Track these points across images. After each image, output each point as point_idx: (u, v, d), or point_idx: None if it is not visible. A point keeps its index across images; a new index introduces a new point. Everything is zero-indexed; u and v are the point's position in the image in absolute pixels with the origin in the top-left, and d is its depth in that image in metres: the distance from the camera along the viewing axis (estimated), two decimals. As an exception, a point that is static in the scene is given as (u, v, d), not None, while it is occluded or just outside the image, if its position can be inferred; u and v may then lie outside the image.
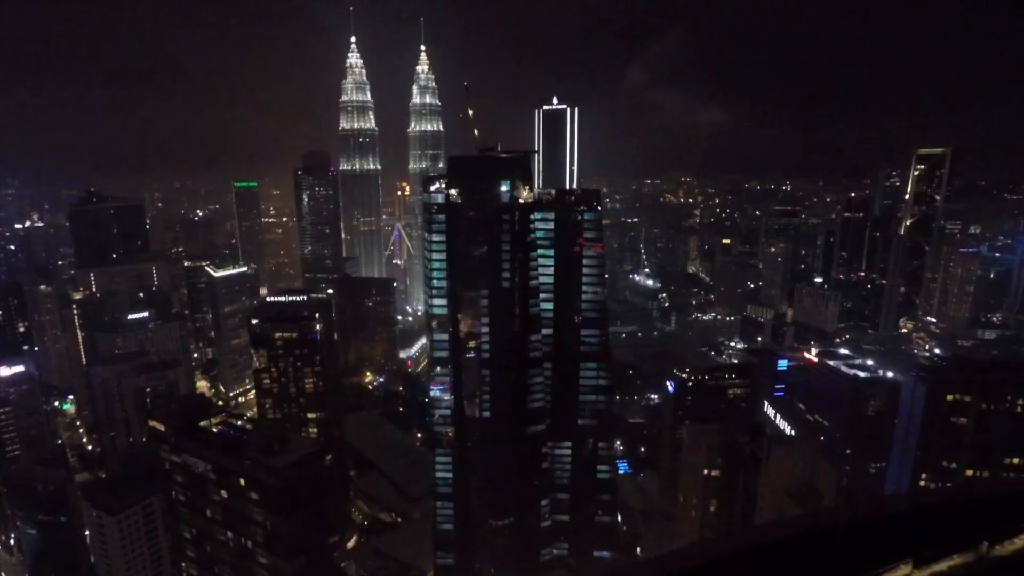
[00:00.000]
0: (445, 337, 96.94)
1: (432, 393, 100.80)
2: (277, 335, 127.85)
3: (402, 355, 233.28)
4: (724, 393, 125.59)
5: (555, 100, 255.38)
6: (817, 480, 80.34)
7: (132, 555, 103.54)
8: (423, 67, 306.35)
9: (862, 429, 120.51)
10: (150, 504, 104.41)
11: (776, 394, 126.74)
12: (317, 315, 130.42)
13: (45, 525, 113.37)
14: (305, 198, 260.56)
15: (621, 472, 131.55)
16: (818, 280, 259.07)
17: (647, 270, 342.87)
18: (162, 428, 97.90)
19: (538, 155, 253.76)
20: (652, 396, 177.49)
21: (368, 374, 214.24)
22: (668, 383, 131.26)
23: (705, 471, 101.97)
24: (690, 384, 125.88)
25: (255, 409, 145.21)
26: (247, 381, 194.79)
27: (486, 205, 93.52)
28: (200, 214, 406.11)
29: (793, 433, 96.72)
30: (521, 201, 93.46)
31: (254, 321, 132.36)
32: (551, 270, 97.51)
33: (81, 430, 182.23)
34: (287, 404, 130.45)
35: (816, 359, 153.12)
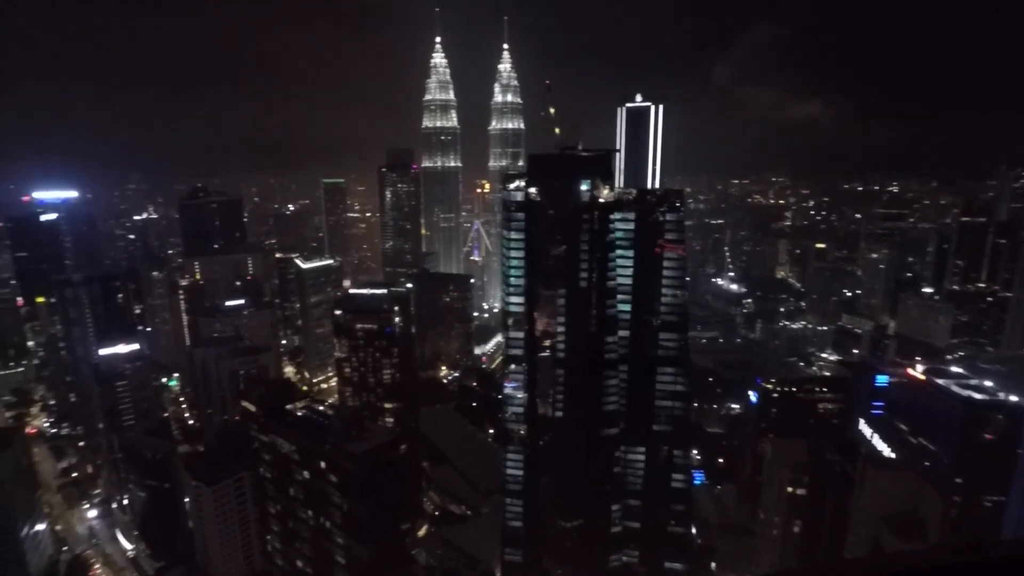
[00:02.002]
0: (520, 335, 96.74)
1: (505, 390, 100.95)
2: (358, 326, 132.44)
3: (477, 351, 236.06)
4: (813, 407, 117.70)
5: (639, 97, 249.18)
6: (920, 508, 73.36)
7: (224, 523, 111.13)
8: (505, 65, 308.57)
9: (977, 457, 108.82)
10: (241, 478, 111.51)
11: (873, 412, 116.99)
12: (396, 308, 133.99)
13: (152, 490, 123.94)
14: (388, 194, 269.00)
15: (697, 482, 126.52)
16: (928, 290, 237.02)
17: (731, 274, 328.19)
18: (252, 409, 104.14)
19: (620, 154, 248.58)
20: (733, 405, 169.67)
21: (443, 368, 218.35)
22: (751, 393, 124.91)
23: (789, 488, 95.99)
24: (775, 395, 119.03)
25: (336, 396, 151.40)
26: (329, 369, 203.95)
27: (565, 204, 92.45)
28: (291, 209, 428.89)
29: (892, 455, 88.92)
30: (601, 200, 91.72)
31: (337, 312, 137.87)
32: (630, 271, 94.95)
33: (184, 406, 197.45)
34: (366, 393, 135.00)
35: (923, 376, 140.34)
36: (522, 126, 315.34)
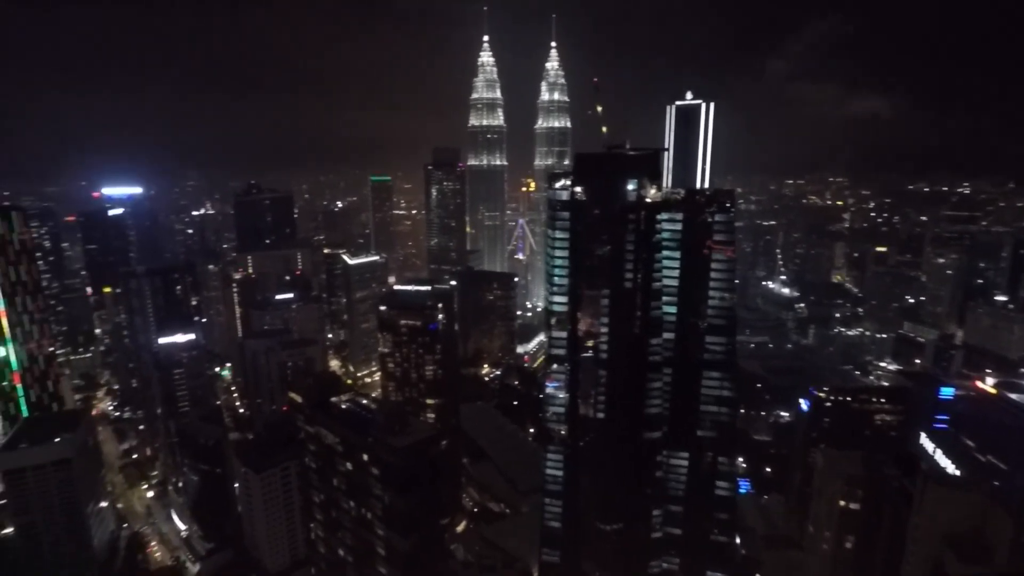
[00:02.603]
0: (563, 335, 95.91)
1: (547, 389, 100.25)
2: (402, 322, 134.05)
3: (519, 349, 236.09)
4: (870, 418, 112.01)
5: (689, 95, 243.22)
6: (987, 531, 68.72)
7: (270, 509, 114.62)
8: (553, 64, 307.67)
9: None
10: (288, 467, 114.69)
11: (937, 426, 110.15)
12: (440, 305, 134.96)
13: (204, 474, 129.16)
14: (434, 192, 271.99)
15: (742, 491, 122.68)
16: (1001, 298, 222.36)
17: (783, 277, 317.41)
18: (299, 400, 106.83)
19: (668, 153, 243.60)
20: (782, 413, 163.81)
21: (485, 366, 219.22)
22: (802, 401, 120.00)
23: (842, 502, 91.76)
24: (829, 404, 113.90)
25: (379, 390, 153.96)
26: (373, 363, 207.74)
27: (611, 203, 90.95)
28: (339, 205, 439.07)
29: (957, 473, 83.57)
30: (648, 200, 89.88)
31: (382, 307, 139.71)
32: (676, 272, 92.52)
33: (235, 395, 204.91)
34: (408, 388, 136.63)
35: (994, 390, 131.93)
36: (569, 125, 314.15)
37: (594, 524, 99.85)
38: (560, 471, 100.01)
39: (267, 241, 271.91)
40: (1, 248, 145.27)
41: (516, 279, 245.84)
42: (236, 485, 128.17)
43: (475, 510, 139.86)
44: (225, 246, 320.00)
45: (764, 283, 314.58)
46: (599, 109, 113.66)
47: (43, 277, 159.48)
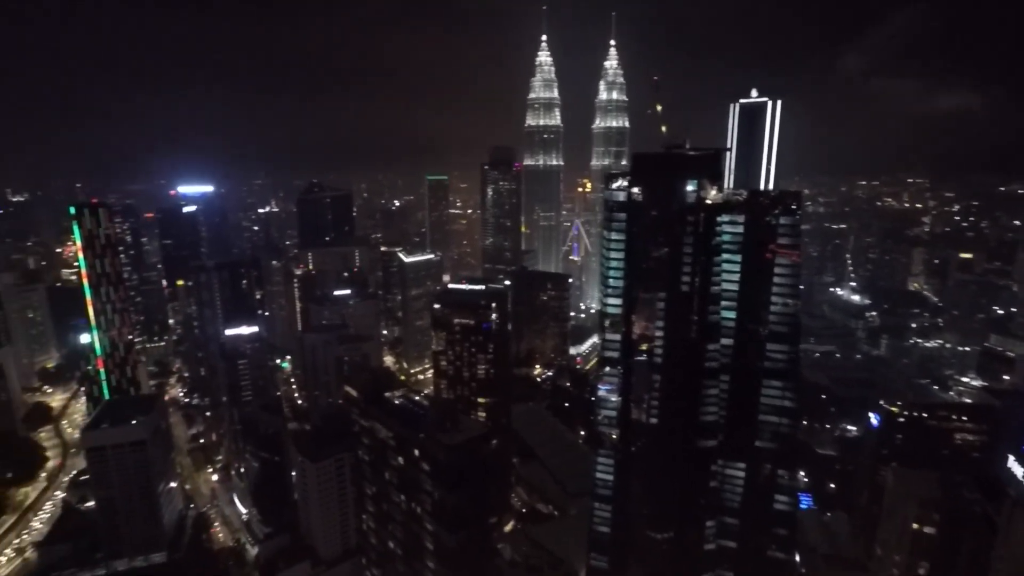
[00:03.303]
0: (617, 337, 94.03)
1: (599, 392, 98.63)
2: (456, 321, 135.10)
3: (572, 351, 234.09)
4: (949, 437, 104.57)
5: (754, 93, 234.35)
6: (1083, 566, 62.67)
7: (324, 499, 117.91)
8: (612, 62, 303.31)
9: None
10: (342, 459, 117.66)
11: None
12: (494, 305, 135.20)
13: (264, 461, 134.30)
14: (489, 191, 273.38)
15: (803, 507, 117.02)
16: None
17: (853, 284, 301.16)
18: (354, 394, 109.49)
19: (730, 153, 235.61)
20: (849, 427, 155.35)
21: (538, 366, 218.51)
22: (871, 415, 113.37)
23: (915, 525, 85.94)
24: (902, 420, 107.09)
25: (432, 387, 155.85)
26: (426, 361, 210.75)
27: (669, 205, 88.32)
28: (397, 204, 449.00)
29: (1048, 500, 76.71)
30: (708, 202, 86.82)
31: (436, 305, 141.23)
32: (737, 277, 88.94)
33: (294, 386, 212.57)
34: (460, 386, 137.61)
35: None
36: (627, 124, 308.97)
37: (644, 531, 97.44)
38: (610, 475, 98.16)
39: (327, 238, 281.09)
40: (89, 242, 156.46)
41: (570, 280, 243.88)
42: (293, 473, 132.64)
43: (523, 510, 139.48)
44: (288, 242, 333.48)
45: (832, 290, 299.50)
46: (658, 108, 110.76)
47: (124, 270, 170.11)
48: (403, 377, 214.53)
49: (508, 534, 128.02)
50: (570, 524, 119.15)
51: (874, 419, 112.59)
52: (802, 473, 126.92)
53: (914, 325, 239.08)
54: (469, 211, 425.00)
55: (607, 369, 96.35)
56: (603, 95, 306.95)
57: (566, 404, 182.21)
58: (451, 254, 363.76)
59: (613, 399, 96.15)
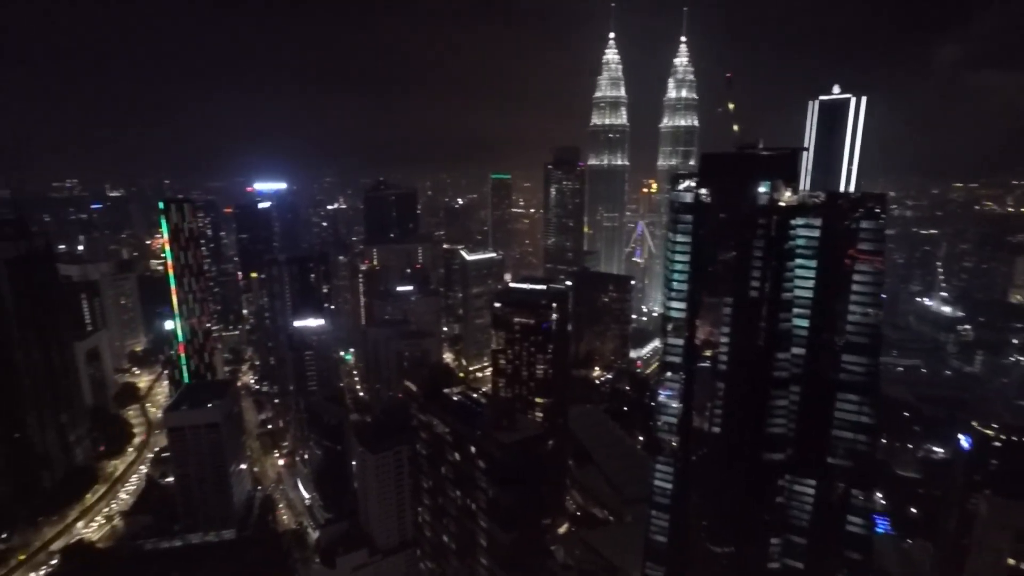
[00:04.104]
0: (680, 342, 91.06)
1: (659, 398, 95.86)
2: (516, 320, 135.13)
3: (632, 354, 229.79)
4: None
5: (836, 89, 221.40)
6: None
7: (382, 489, 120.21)
8: (682, 59, 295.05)
9: None
10: (400, 451, 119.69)
11: None
12: (554, 305, 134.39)
13: (327, 449, 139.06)
14: (553, 191, 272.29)
15: (879, 530, 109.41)
16: None
17: (944, 294, 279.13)
18: (414, 389, 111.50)
19: (807, 153, 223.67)
20: (935, 448, 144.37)
21: (597, 369, 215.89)
22: (962, 437, 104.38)
23: (1011, 560, 78.53)
24: (998, 444, 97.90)
25: (490, 386, 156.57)
26: (485, 359, 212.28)
27: (739, 206, 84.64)
28: (460, 202, 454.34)
29: None
30: (781, 204, 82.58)
31: (496, 304, 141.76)
32: (811, 283, 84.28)
33: (356, 379, 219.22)
34: (518, 385, 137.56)
35: None
36: (696, 123, 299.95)
37: (703, 544, 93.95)
38: (669, 484, 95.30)
39: (391, 235, 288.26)
40: (174, 235, 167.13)
41: (633, 282, 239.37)
42: (353, 463, 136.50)
43: (578, 514, 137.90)
44: (354, 238, 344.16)
45: (919, 300, 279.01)
46: (730, 106, 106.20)
47: (204, 261, 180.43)
48: (462, 374, 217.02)
49: (562, 536, 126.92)
50: (626, 531, 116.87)
51: (965, 441, 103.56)
52: (880, 495, 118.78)
53: (1015, 341, 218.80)
54: (532, 210, 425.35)
55: (668, 374, 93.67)
56: (672, 93, 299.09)
57: (625, 408, 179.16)
58: (513, 253, 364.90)
59: (674, 405, 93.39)
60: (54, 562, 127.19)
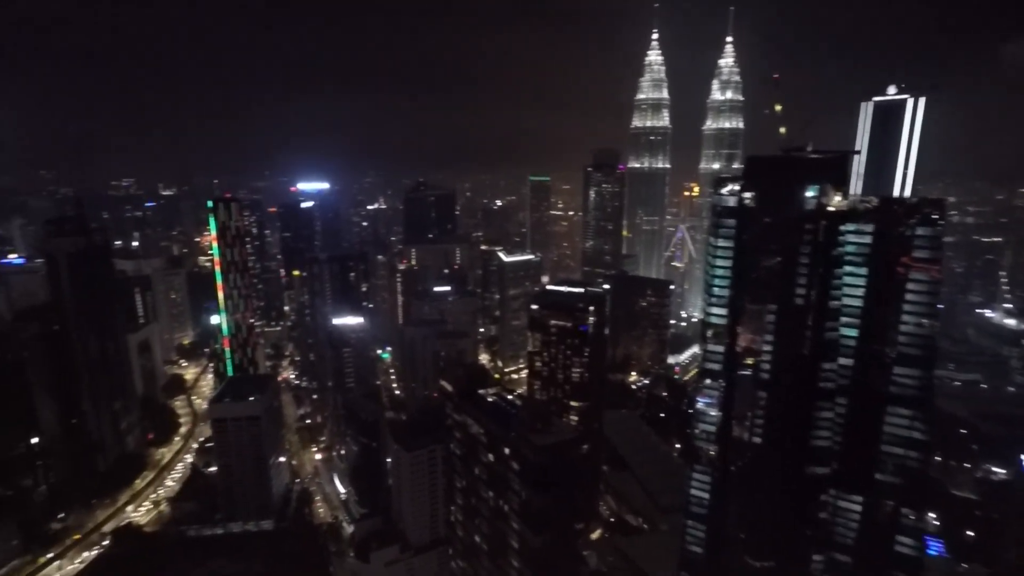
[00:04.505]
0: (720, 349, 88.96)
1: (697, 405, 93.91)
2: (552, 322, 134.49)
3: (670, 360, 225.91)
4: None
5: (891, 90, 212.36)
6: None
7: (416, 487, 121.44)
8: (727, 60, 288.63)
9: None
10: (434, 450, 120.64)
11: None
12: (591, 308, 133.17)
13: (363, 446, 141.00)
14: (592, 194, 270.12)
15: (932, 552, 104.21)
16: None
17: (1008, 305, 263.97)
18: (449, 388, 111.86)
19: (859, 156, 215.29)
20: (995, 469, 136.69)
21: (633, 373, 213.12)
22: None
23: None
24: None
25: (525, 388, 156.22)
26: (521, 360, 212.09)
27: (785, 211, 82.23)
28: (498, 204, 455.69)
29: None
30: (830, 209, 79.80)
31: (533, 306, 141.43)
32: (860, 292, 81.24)
33: (393, 377, 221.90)
34: (554, 388, 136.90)
35: None
36: (741, 125, 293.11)
37: (741, 556, 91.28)
38: (706, 493, 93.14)
39: (430, 235, 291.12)
40: (221, 233, 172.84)
41: (672, 287, 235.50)
42: (388, 460, 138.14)
43: (611, 520, 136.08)
44: (393, 238, 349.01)
45: (980, 311, 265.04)
46: (777, 108, 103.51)
47: (250, 259, 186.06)
48: (497, 375, 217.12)
49: (594, 542, 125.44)
50: (660, 539, 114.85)
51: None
52: (932, 515, 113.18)
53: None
54: (571, 213, 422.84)
55: (707, 381, 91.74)
56: (716, 95, 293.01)
57: (661, 414, 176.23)
58: (551, 255, 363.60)
59: (713, 413, 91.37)
60: (106, 543, 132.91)
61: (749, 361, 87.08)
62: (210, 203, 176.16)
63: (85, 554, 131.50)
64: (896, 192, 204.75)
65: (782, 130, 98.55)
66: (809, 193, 79.99)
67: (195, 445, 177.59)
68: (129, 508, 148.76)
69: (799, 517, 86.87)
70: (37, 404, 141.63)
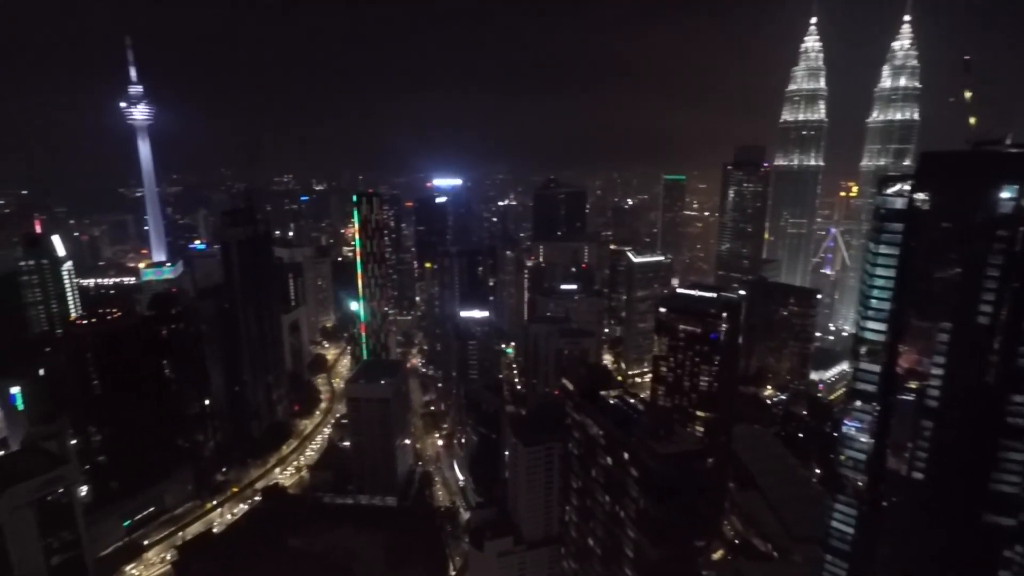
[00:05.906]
0: (875, 368, 79.11)
1: (844, 428, 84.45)
2: (681, 327, 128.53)
3: (813, 376, 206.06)
4: None
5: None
6: None
7: (532, 483, 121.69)
8: (903, 42, 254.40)
9: None
10: (552, 448, 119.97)
11: None
12: (724, 314, 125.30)
13: (482, 436, 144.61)
14: (731, 193, 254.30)
15: None
16: None
17: None
18: (570, 387, 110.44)
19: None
20: None
21: (769, 388, 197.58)
22: None
23: None
24: None
25: (648, 393, 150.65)
26: (645, 364, 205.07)
27: (971, 215, 70.76)
28: (630, 203, 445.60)
29: None
30: (1034, 213, 67.16)
31: (662, 309, 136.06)
32: (1069, 311, 67.50)
33: (515, 372, 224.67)
34: (679, 396, 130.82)
35: None
36: (915, 117, 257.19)
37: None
38: (850, 528, 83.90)
39: (559, 233, 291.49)
40: (363, 225, 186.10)
41: (819, 296, 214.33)
42: (506, 452, 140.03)
43: (736, 542, 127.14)
44: (522, 235, 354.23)
45: None
46: (967, 95, 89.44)
47: (387, 250, 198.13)
48: (620, 377, 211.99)
49: (716, 563, 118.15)
50: (791, 571, 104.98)
51: None
52: None
53: None
54: (706, 213, 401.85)
55: (858, 403, 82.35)
56: (887, 82, 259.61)
57: (800, 434, 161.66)
58: (682, 257, 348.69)
59: (863, 440, 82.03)
60: (257, 498, 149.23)
61: (912, 385, 76.82)
62: (355, 198, 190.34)
63: (241, 506, 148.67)
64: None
65: (972, 121, 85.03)
66: (1005, 195, 68.07)
67: (332, 420, 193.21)
68: (276, 471, 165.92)
69: (972, 571, 74.58)
70: (210, 371, 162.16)
